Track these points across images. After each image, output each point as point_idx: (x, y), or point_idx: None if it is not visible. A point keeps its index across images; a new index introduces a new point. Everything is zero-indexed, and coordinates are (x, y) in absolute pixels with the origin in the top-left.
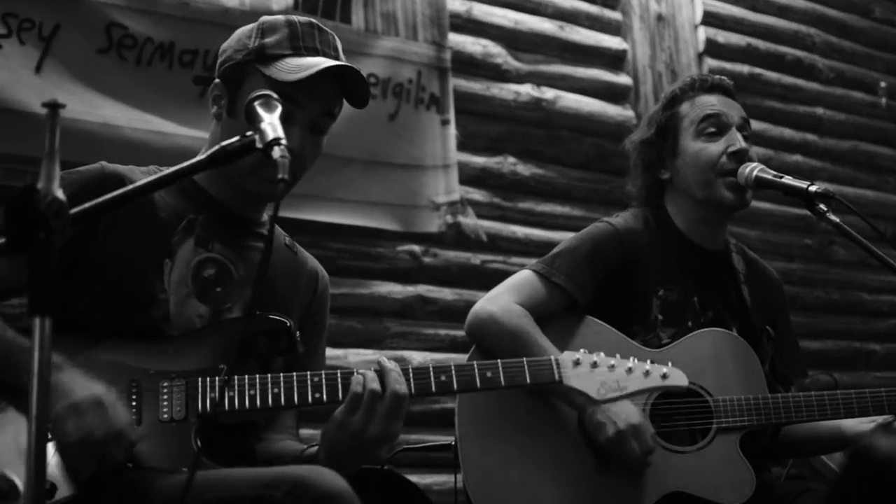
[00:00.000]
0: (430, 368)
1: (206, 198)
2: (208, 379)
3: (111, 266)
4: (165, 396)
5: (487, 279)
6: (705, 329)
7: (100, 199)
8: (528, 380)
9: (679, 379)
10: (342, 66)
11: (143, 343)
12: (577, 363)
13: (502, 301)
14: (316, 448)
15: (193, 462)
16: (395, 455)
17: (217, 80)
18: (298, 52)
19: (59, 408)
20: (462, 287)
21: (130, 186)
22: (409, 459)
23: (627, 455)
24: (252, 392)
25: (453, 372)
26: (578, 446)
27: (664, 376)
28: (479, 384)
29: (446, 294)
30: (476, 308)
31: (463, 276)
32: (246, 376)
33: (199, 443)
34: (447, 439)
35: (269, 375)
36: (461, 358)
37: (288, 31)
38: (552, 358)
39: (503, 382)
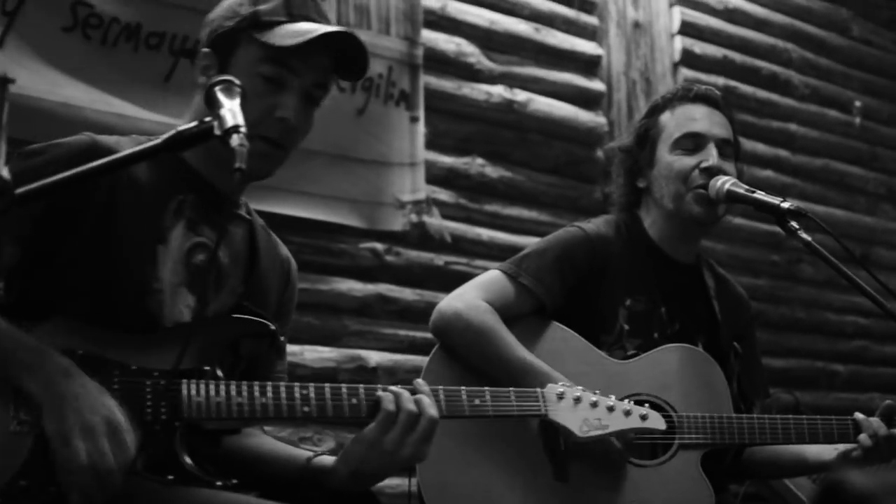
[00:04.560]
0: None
1: (193, 175)
2: (193, 382)
3: (103, 252)
4: (149, 396)
5: (450, 281)
6: (673, 345)
7: (62, 175)
8: (516, 410)
9: (656, 422)
10: (342, 32)
11: (124, 335)
12: (560, 397)
13: (468, 298)
14: (330, 460)
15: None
16: None
17: (206, 50)
18: (293, 19)
19: (66, 424)
20: (423, 288)
21: (94, 164)
22: None
23: (608, 449)
24: (240, 400)
25: (442, 394)
26: (538, 452)
27: (643, 417)
28: (467, 410)
29: (407, 294)
30: (441, 305)
31: (425, 276)
32: (233, 383)
33: (186, 457)
34: None
35: (255, 384)
36: (421, 359)
37: None
38: (538, 391)
39: (491, 411)
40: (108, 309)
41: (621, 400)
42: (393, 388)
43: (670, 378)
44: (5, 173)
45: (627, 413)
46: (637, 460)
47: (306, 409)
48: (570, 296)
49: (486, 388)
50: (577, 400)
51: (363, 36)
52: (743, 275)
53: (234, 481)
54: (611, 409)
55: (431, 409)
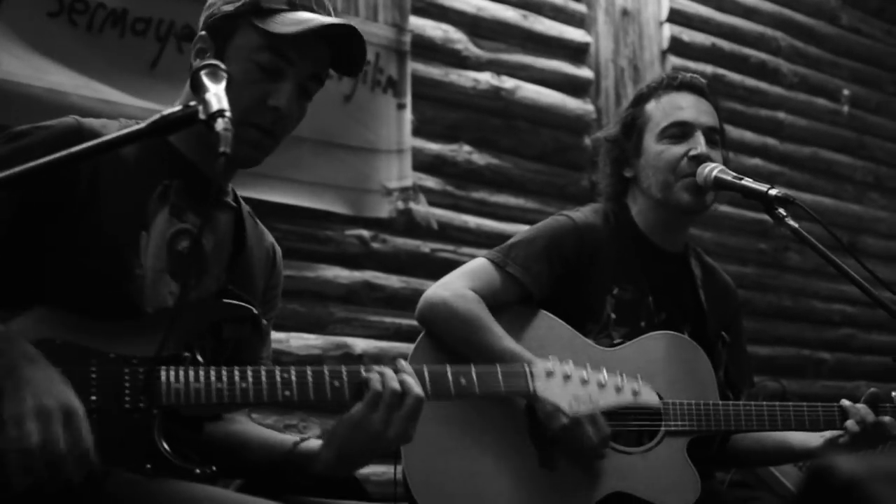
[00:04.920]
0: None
1: (179, 160)
2: (171, 369)
3: (86, 238)
4: (127, 384)
5: (436, 268)
6: (659, 332)
7: (46, 159)
8: (503, 388)
9: (649, 396)
10: (343, 24)
11: (105, 322)
12: (549, 374)
13: (455, 286)
14: (316, 445)
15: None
16: None
17: (203, 33)
18: (294, 8)
19: (23, 406)
20: (410, 275)
21: (78, 147)
22: None
23: (584, 443)
24: (219, 386)
25: (426, 374)
26: (524, 439)
27: (635, 393)
28: (453, 392)
29: (394, 281)
30: (428, 293)
31: (411, 263)
32: (212, 368)
33: (164, 443)
34: None
35: (235, 369)
36: (406, 347)
37: None
38: (525, 367)
39: (478, 391)
40: (90, 296)
41: (613, 375)
42: (378, 367)
43: (656, 365)
44: None
45: (618, 389)
46: (623, 447)
47: (287, 392)
48: (558, 284)
49: (471, 366)
50: (567, 377)
51: (350, 22)
52: (730, 263)
53: (214, 468)
54: (601, 385)
55: (416, 388)
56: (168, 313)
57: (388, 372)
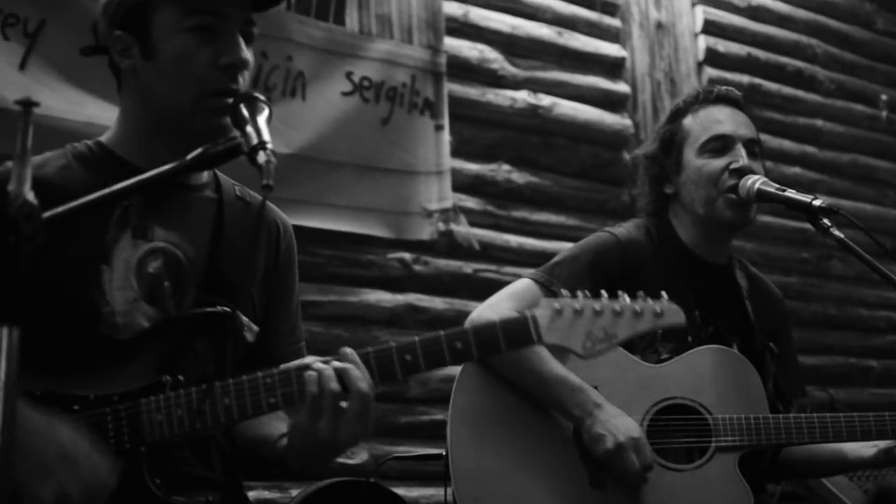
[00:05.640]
0: (393, 349)
1: (133, 173)
2: (152, 399)
3: (47, 285)
4: (111, 425)
5: (479, 289)
6: (707, 346)
7: (72, 205)
8: (504, 347)
9: (675, 315)
10: None
11: (83, 363)
12: (558, 313)
13: (502, 309)
14: (284, 444)
15: None
16: (381, 465)
17: (118, 32)
18: None
19: (26, 468)
20: (453, 296)
21: (103, 192)
22: (397, 472)
23: (627, 469)
24: (203, 408)
25: (419, 348)
26: (574, 459)
27: (657, 314)
28: (448, 358)
29: (437, 303)
30: (474, 316)
31: (454, 285)
32: (193, 390)
33: (156, 479)
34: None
35: (216, 385)
36: (453, 371)
37: None
38: (527, 314)
39: (476, 354)
40: (62, 342)
41: (634, 298)
42: (316, 365)
43: (705, 380)
44: (31, 197)
45: (637, 314)
46: (673, 465)
47: (272, 400)
48: None
49: (467, 327)
50: (577, 311)
51: (385, 45)
52: (773, 273)
53: (210, 499)
54: (617, 313)
55: (359, 383)
56: (135, 345)
57: (326, 370)
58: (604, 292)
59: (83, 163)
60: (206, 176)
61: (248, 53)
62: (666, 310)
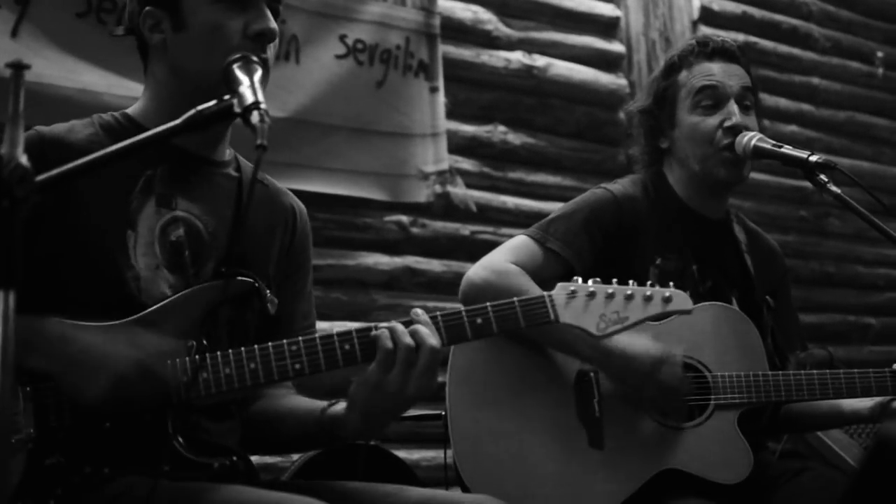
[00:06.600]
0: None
1: (161, 144)
2: (178, 361)
3: (72, 246)
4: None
5: (477, 250)
6: (706, 303)
7: (64, 168)
8: (523, 323)
9: (683, 303)
10: None
11: (110, 324)
12: (572, 296)
13: (497, 263)
14: (342, 408)
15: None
16: None
17: (148, 8)
18: None
19: (73, 370)
20: (451, 258)
21: (95, 155)
22: (397, 435)
23: (675, 380)
24: (227, 370)
25: (441, 324)
26: (572, 419)
27: (666, 300)
28: (470, 334)
29: (435, 265)
30: (470, 273)
31: (452, 246)
32: (219, 353)
33: (179, 438)
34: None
35: (242, 350)
36: None
37: None
38: (545, 295)
39: (496, 329)
40: (89, 304)
41: (643, 286)
42: (386, 323)
43: (704, 338)
44: (25, 161)
45: (648, 299)
46: (673, 423)
47: (297, 366)
48: (600, 257)
49: (487, 304)
50: (591, 295)
51: (378, 8)
52: (771, 231)
53: (234, 458)
54: (629, 297)
55: (430, 339)
56: (161, 310)
57: (398, 327)
58: (615, 280)
59: (110, 134)
60: (228, 153)
61: (275, 24)
62: (675, 295)
